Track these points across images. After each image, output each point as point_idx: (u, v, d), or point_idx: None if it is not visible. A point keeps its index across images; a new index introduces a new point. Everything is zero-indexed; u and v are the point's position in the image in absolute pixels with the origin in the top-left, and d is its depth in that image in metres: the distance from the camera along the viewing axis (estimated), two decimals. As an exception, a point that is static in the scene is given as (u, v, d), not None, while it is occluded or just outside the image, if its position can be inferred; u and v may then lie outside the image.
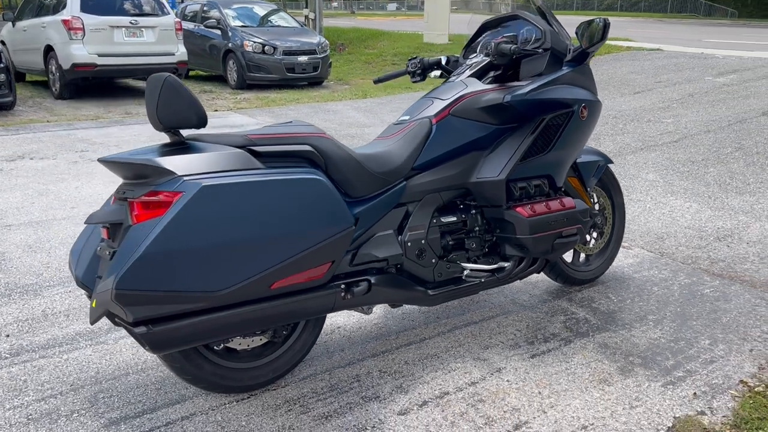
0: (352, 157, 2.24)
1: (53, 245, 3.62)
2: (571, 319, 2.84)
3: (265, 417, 2.13)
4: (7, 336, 2.63)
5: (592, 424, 2.11)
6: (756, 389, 2.31)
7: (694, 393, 2.28)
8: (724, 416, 2.15)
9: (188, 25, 11.76)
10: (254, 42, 10.84)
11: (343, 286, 2.19)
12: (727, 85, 8.46)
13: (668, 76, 9.43)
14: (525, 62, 2.61)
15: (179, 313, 1.85)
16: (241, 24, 11.54)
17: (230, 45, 11.04)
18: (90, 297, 2.11)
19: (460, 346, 2.61)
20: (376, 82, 3.11)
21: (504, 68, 2.68)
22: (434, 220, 2.50)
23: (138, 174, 1.95)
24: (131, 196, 1.92)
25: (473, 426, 2.09)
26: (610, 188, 3.25)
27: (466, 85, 2.60)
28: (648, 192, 4.73)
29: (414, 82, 3.04)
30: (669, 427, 2.09)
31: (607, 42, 14.75)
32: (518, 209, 2.54)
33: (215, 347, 2.15)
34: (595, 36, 2.56)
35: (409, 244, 2.40)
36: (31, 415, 2.12)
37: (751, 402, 2.22)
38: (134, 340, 2.26)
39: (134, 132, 6.94)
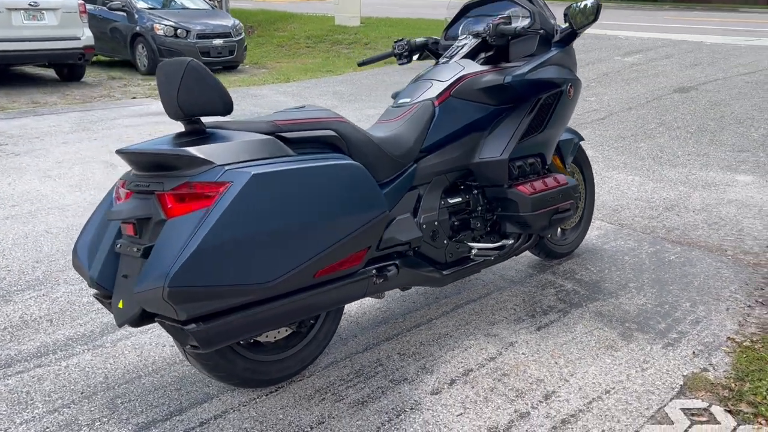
0: (372, 140, 2.22)
1: (6, 246, 3.34)
2: (561, 291, 2.96)
3: (300, 408, 2.09)
4: (-11, 347, 2.42)
5: (614, 387, 2.22)
6: (744, 344, 2.51)
7: (693, 352, 2.45)
8: (725, 371, 2.33)
9: (88, 7, 11.03)
10: (165, 25, 10.35)
11: (374, 271, 2.18)
12: (636, 65, 8.99)
13: (580, 57, 9.84)
14: (515, 43, 2.64)
15: (230, 307, 1.78)
16: (147, 6, 10.96)
17: (138, 28, 10.47)
18: (106, 297, 1.99)
19: (467, 324, 2.66)
20: (360, 64, 3.08)
21: (496, 49, 2.72)
22: (442, 202, 2.52)
23: (163, 165, 1.85)
24: (159, 189, 1.82)
25: (506, 399, 2.15)
26: (582, 164, 3.40)
27: (462, 66, 2.62)
28: (592, 167, 4.97)
29: (401, 64, 3.03)
30: (681, 385, 2.24)
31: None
32: (520, 188, 2.61)
33: (243, 342, 2.09)
34: (588, 17, 2.65)
35: (424, 226, 2.41)
36: (48, 428, 1.97)
37: (744, 356, 2.41)
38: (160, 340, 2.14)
39: (52, 123, 6.47)
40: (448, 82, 2.56)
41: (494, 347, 2.48)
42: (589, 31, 13.23)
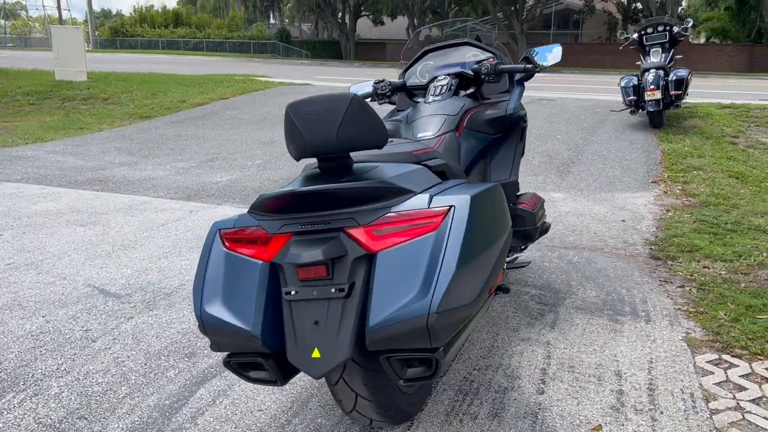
0: (455, 168, 2.36)
1: None
2: (533, 297, 3.36)
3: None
4: None
5: (649, 357, 2.67)
6: (689, 309, 3.19)
7: (668, 322, 3.04)
8: (701, 332, 2.95)
9: None
10: None
11: None
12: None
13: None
14: (493, 81, 3.02)
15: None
16: None
17: None
18: (262, 355, 1.80)
19: (497, 335, 2.89)
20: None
21: (476, 86, 3.05)
22: None
23: (347, 200, 1.78)
24: (350, 224, 1.76)
25: (594, 383, 2.45)
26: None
27: (462, 101, 2.89)
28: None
29: (380, 104, 3.16)
30: (687, 346, 2.79)
31: (258, 78, 15.55)
32: (523, 204, 2.95)
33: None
34: (553, 59, 3.14)
35: None
36: None
37: (701, 317, 3.08)
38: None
39: None
40: (459, 116, 2.80)
41: (540, 348, 2.75)
42: (330, 84, 14.32)
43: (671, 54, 8.80)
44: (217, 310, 1.84)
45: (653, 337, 2.87)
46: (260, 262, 1.87)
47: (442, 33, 3.85)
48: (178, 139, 8.40)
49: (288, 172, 6.36)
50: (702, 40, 43.29)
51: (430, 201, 1.78)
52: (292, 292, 1.79)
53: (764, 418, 2.24)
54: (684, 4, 32.35)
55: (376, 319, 1.66)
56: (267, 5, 44.87)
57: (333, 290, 1.74)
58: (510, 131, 3.04)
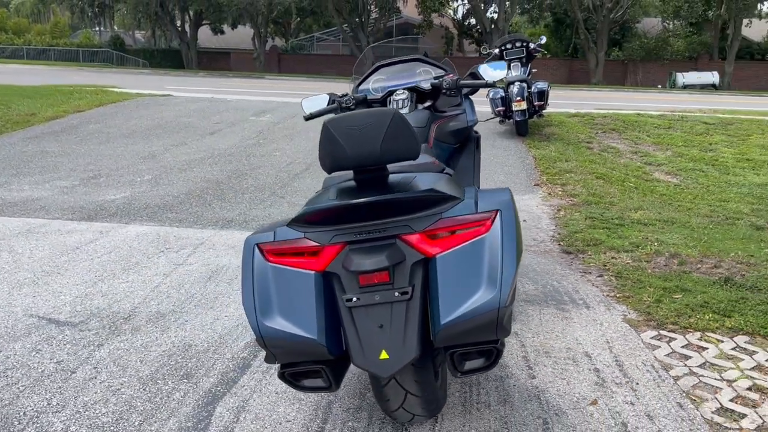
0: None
1: None
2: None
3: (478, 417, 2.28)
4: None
5: (604, 338, 3.04)
6: (616, 296, 3.63)
7: (605, 307, 3.45)
8: (634, 313, 3.38)
9: None
10: None
11: None
12: (276, 123, 10.02)
13: (218, 118, 10.42)
14: (447, 94, 3.24)
15: None
16: None
17: None
18: (320, 362, 1.88)
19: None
20: (307, 118, 3.16)
21: (432, 100, 3.25)
22: None
23: (398, 208, 1.90)
24: (405, 231, 1.89)
25: (577, 365, 2.74)
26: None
27: (427, 114, 3.08)
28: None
29: (343, 117, 3.24)
30: (629, 327, 3.20)
31: (111, 89, 14.64)
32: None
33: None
34: (499, 75, 3.41)
35: None
36: None
37: (629, 300, 3.52)
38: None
39: None
40: (428, 128, 2.99)
41: (512, 339, 3.01)
42: (193, 95, 13.85)
43: (529, 68, 9.66)
44: (277, 322, 1.87)
45: (599, 321, 3.24)
46: (313, 272, 1.93)
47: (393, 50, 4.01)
48: (44, 156, 7.75)
49: (185, 188, 6.16)
50: (526, 55, 47.27)
51: (476, 206, 1.94)
52: (354, 299, 1.88)
53: (715, 378, 2.67)
54: (512, 20, 35.13)
55: (447, 317, 1.80)
56: (98, 11, 41.99)
57: (396, 294, 1.85)
58: (467, 142, 3.28)
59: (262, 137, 8.90)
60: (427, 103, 3.24)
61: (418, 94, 3.23)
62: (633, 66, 34.19)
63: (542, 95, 8.84)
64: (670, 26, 34.29)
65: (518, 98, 8.78)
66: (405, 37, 39.22)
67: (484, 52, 10.47)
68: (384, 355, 1.85)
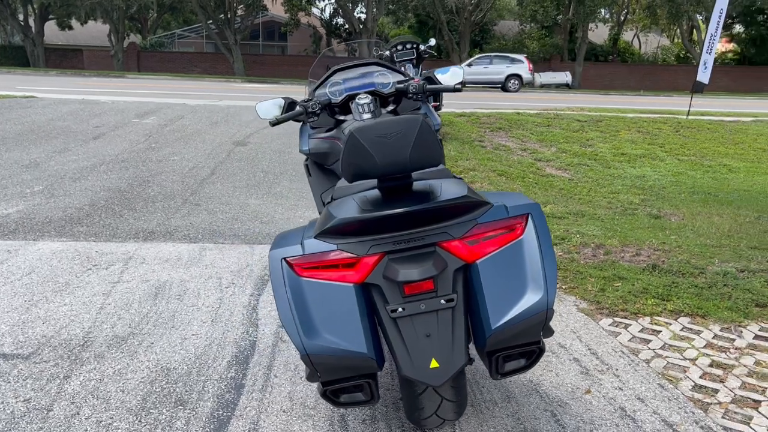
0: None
1: None
2: (440, 293, 3.68)
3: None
4: None
5: (569, 328, 3.20)
6: (568, 285, 3.84)
7: (558, 298, 3.63)
8: (586, 304, 3.59)
9: None
10: None
11: None
12: (164, 125, 9.50)
13: (97, 121, 9.70)
14: (409, 98, 3.27)
15: None
16: None
17: None
18: (365, 375, 1.85)
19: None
20: (273, 124, 3.03)
21: (395, 104, 3.25)
22: None
23: (433, 217, 1.90)
24: (444, 239, 1.90)
25: (558, 357, 2.87)
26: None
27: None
28: (245, 204, 5.54)
29: (310, 121, 3.14)
30: (585, 316, 3.39)
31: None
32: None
33: None
34: (456, 78, 3.47)
35: None
36: None
37: (575, 292, 3.74)
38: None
39: None
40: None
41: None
42: (60, 96, 12.75)
43: (420, 69, 9.89)
44: (323, 339, 1.82)
45: (558, 312, 3.41)
46: (351, 285, 1.88)
47: (348, 50, 3.93)
48: None
49: (87, 198, 5.68)
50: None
51: (507, 210, 1.98)
52: (399, 309, 1.85)
53: (678, 359, 2.90)
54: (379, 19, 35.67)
55: (498, 321, 1.83)
56: None
57: (442, 302, 1.85)
58: (431, 144, 3.31)
59: (153, 141, 8.40)
60: (390, 108, 3.24)
61: (381, 99, 3.22)
62: (493, 66, 36.02)
63: (437, 96, 9.10)
64: (527, 29, 36.51)
65: (415, 99, 8.95)
66: (272, 42, 38.67)
67: (376, 54, 10.59)
68: (434, 363, 1.84)
